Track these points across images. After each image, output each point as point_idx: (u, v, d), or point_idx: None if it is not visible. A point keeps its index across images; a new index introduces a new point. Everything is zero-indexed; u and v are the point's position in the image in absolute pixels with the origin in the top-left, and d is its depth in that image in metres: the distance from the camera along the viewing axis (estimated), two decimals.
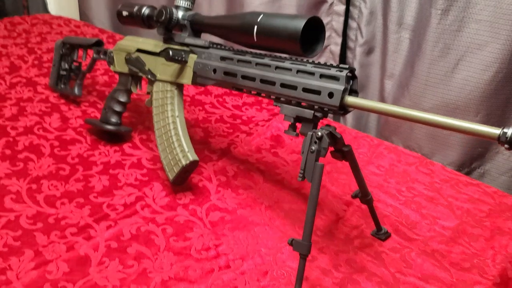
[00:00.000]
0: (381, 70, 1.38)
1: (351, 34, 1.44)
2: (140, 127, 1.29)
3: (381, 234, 0.95)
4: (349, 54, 1.47)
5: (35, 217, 0.93)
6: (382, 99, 1.40)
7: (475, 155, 1.27)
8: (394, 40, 1.29)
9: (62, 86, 1.40)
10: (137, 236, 0.91)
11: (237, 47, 0.93)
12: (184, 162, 0.98)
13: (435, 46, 1.18)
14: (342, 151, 0.81)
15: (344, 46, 1.49)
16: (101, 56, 1.26)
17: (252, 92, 0.88)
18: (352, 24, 1.43)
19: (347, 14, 1.44)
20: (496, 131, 0.58)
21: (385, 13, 1.28)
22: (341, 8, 1.42)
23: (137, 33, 1.63)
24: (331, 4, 1.43)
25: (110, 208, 0.98)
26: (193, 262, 0.86)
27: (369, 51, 1.41)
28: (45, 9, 2.69)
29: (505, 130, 0.57)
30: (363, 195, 0.88)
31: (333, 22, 1.45)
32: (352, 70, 0.74)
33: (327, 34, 1.48)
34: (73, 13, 2.56)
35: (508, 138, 0.57)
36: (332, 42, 1.49)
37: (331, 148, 0.82)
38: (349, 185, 1.11)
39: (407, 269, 0.88)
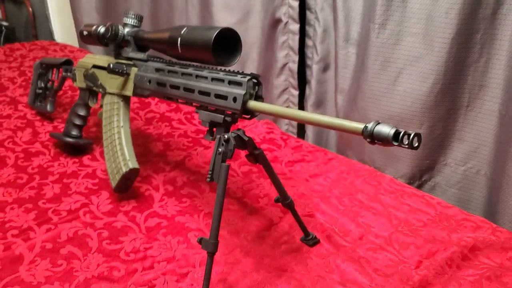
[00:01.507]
0: (334, 86, 1.41)
1: (308, 52, 1.49)
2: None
3: (308, 240, 0.96)
4: (308, 72, 1.51)
5: None
6: (336, 115, 1.43)
7: (424, 168, 1.27)
8: (342, 56, 1.32)
9: (39, 103, 1.48)
10: (73, 238, 0.96)
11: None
12: (124, 169, 1.03)
13: (375, 60, 1.21)
14: (254, 154, 0.84)
15: (304, 64, 1.53)
16: (68, 74, 1.33)
17: (180, 100, 0.93)
18: (309, 42, 1.48)
19: (304, 33, 1.49)
20: (360, 126, 0.61)
21: (335, 30, 1.33)
22: (295, 27, 1.47)
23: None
24: (286, 23, 1.48)
25: (55, 213, 1.03)
26: (120, 263, 0.90)
27: (325, 68, 1.45)
28: (52, 37, 2.85)
29: (367, 124, 0.60)
30: (283, 199, 0.91)
31: (289, 40, 1.50)
32: (256, 76, 0.78)
33: (284, 52, 1.53)
34: (76, 41, 2.70)
35: (368, 132, 0.60)
36: (290, 60, 1.53)
37: (246, 152, 0.86)
38: (295, 195, 1.13)
39: (328, 273, 0.89)
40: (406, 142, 0.58)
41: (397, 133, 0.58)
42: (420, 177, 1.29)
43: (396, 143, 0.58)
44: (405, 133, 0.57)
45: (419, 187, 1.30)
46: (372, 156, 1.35)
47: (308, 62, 1.50)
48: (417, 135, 0.58)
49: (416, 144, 0.58)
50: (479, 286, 0.86)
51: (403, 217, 1.07)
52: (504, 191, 1.11)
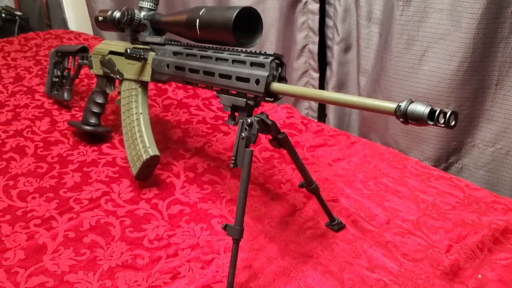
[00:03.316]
0: (356, 66, 1.37)
1: (329, 32, 1.45)
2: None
3: (334, 225, 0.94)
4: (328, 53, 1.47)
5: (5, 210, 0.99)
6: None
7: (451, 150, 1.23)
8: (365, 36, 1.28)
9: (56, 92, 1.47)
10: (95, 227, 0.95)
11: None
12: (145, 157, 1.01)
13: (400, 39, 1.17)
14: (278, 139, 0.81)
15: (324, 45, 1.49)
16: (85, 61, 1.32)
17: (199, 85, 0.91)
18: (329, 22, 1.44)
19: (324, 13, 1.45)
20: (393, 105, 0.58)
21: (357, 9, 1.28)
22: (315, 6, 1.43)
23: None
24: (305, 3, 1.44)
25: (76, 202, 1.02)
26: (143, 251, 0.89)
27: (346, 49, 1.41)
28: (65, 26, 2.84)
29: (400, 103, 0.57)
30: (308, 184, 0.88)
31: (309, 21, 1.46)
32: (279, 57, 0.76)
33: (304, 33, 1.49)
34: (90, 29, 2.69)
35: (402, 112, 0.57)
36: (310, 41, 1.50)
37: (269, 137, 0.83)
38: (318, 180, 1.10)
39: (355, 259, 0.87)
40: (442, 121, 0.55)
41: (432, 112, 0.55)
42: (446, 159, 1.25)
43: (431, 123, 0.55)
44: (440, 112, 0.54)
45: (446, 169, 1.26)
46: (396, 138, 1.31)
47: (329, 43, 1.46)
48: (454, 113, 0.55)
49: (453, 123, 0.55)
50: None
51: (431, 200, 1.04)
52: None
